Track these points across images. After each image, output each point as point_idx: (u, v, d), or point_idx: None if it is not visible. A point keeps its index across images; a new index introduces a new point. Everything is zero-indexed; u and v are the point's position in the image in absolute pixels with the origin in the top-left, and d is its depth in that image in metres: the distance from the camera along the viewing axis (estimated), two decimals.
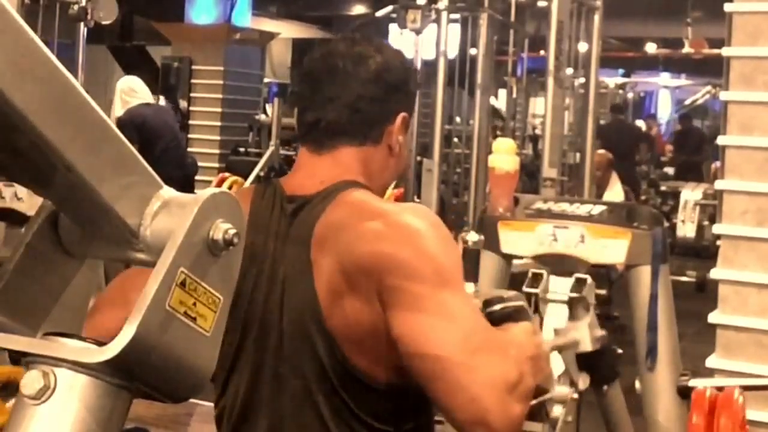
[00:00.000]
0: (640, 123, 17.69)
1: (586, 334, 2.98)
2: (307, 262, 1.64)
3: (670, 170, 14.60)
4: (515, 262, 3.74)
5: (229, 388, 1.75)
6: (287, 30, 16.86)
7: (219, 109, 11.70)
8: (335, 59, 1.75)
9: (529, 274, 3.20)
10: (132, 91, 7.67)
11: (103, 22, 7.62)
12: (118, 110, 7.66)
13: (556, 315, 3.11)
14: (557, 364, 2.89)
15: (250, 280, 1.69)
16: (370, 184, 1.75)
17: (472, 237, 2.54)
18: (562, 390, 2.92)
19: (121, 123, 7.30)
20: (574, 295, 3.05)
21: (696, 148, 15.19)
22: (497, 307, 1.81)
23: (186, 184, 8.22)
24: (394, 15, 8.02)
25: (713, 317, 3.63)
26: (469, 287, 2.28)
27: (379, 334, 1.58)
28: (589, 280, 3.10)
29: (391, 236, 1.60)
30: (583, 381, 2.95)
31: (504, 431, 1.50)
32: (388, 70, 1.76)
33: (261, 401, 1.71)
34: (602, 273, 6.39)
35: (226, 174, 9.19)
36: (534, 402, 1.67)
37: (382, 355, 1.61)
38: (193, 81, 11.85)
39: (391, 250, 1.58)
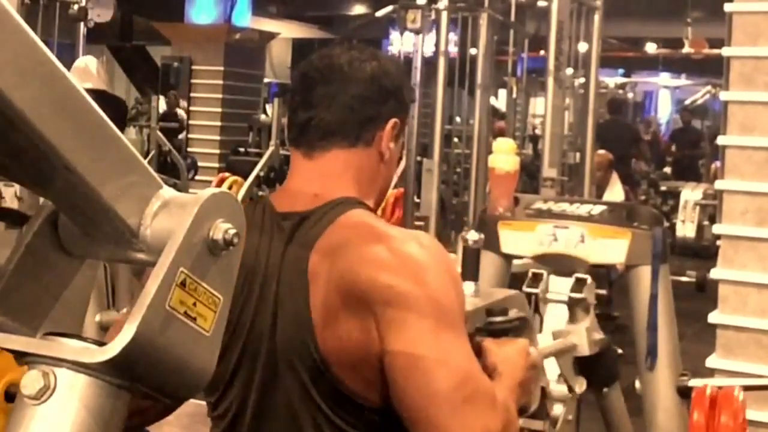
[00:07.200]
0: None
1: (584, 338, 2.98)
2: (303, 283, 1.60)
3: (670, 170, 14.61)
4: (515, 262, 3.75)
5: (222, 405, 1.73)
6: (287, 30, 16.88)
7: (219, 109, 11.72)
8: (331, 60, 1.75)
9: (529, 274, 3.20)
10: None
11: (100, 21, 7.60)
12: None
13: (555, 315, 3.11)
14: (553, 368, 2.88)
15: (240, 300, 1.65)
16: (363, 192, 1.72)
17: (472, 236, 2.54)
18: (561, 389, 2.92)
19: None
20: (574, 295, 3.05)
21: (693, 145, 15.21)
22: (498, 319, 1.84)
23: None
24: (394, 15, 8.01)
25: (713, 317, 3.63)
26: (469, 286, 2.28)
27: (372, 358, 1.56)
28: (589, 280, 3.10)
29: (393, 265, 1.55)
30: (580, 385, 2.95)
31: None
32: (384, 74, 1.75)
33: (254, 418, 1.69)
34: (602, 273, 6.38)
35: (226, 174, 9.20)
36: None
37: (375, 378, 1.57)
38: (193, 81, 11.87)
39: (393, 281, 1.54)
